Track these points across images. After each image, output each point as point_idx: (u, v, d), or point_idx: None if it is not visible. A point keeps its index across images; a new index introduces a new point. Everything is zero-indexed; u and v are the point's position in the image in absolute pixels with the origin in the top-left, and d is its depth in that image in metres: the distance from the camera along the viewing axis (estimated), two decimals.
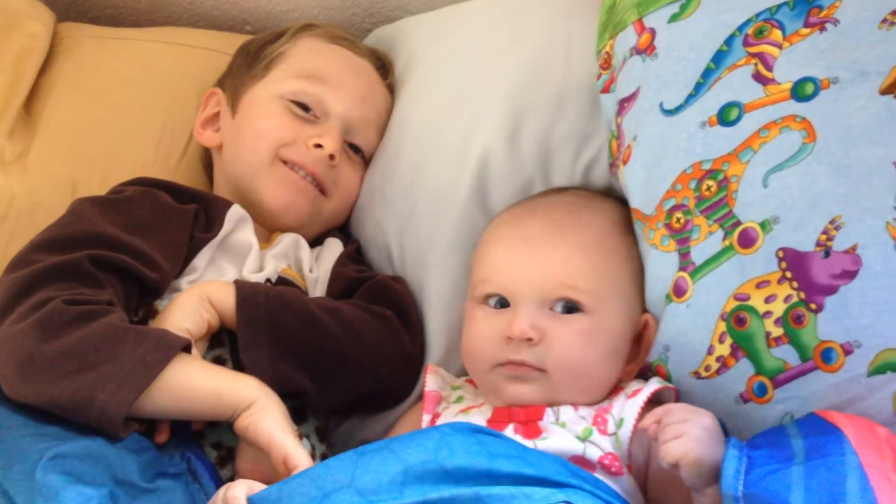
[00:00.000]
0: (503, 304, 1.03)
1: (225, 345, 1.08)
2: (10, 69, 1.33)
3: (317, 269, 1.23)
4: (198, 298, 1.05)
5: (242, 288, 1.07)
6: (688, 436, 0.87)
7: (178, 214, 1.15)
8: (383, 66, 1.36)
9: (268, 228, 1.25)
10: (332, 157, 1.23)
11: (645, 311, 1.06)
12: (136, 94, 1.37)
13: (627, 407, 0.97)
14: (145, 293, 1.08)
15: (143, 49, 1.43)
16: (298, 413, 1.10)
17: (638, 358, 1.05)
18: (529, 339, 0.99)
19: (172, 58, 1.43)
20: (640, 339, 1.06)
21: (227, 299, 1.06)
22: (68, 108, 1.35)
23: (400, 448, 0.87)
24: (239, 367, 1.05)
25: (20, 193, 1.28)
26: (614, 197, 1.15)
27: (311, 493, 0.85)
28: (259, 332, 1.04)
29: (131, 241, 1.08)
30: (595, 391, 1.02)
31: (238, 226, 1.19)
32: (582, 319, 1.01)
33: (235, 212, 1.19)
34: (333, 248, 1.26)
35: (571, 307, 1.01)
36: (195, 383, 0.98)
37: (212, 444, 1.03)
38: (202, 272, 1.14)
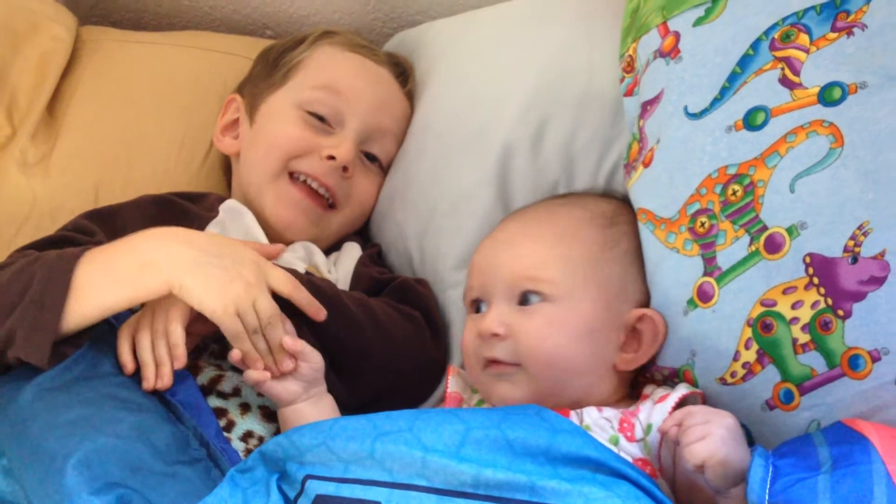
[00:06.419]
0: (480, 307, 1.06)
1: None
2: (33, 72, 1.35)
3: (335, 271, 1.23)
4: None
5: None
6: (712, 436, 0.87)
7: (146, 199, 1.20)
8: (403, 73, 1.36)
9: (276, 240, 1.25)
10: (345, 168, 1.23)
11: (647, 305, 1.05)
12: (157, 98, 1.38)
13: (655, 412, 0.96)
14: None
15: (165, 53, 1.44)
16: None
17: (640, 350, 1.03)
18: (496, 335, 1.00)
19: (194, 62, 1.43)
20: (637, 331, 1.04)
21: None
22: (91, 110, 1.36)
23: (463, 413, 0.87)
24: None
25: (43, 195, 1.29)
26: (618, 197, 1.15)
27: (365, 429, 0.86)
28: (286, 312, 1.03)
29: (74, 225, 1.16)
30: (581, 379, 1.01)
31: (234, 218, 1.20)
32: (545, 308, 1.01)
33: (228, 203, 1.21)
34: (352, 251, 1.27)
35: (537, 298, 1.01)
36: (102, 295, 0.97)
37: (241, 435, 1.02)
38: None
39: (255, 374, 1.00)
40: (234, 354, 0.99)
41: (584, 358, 1.01)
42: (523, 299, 1.02)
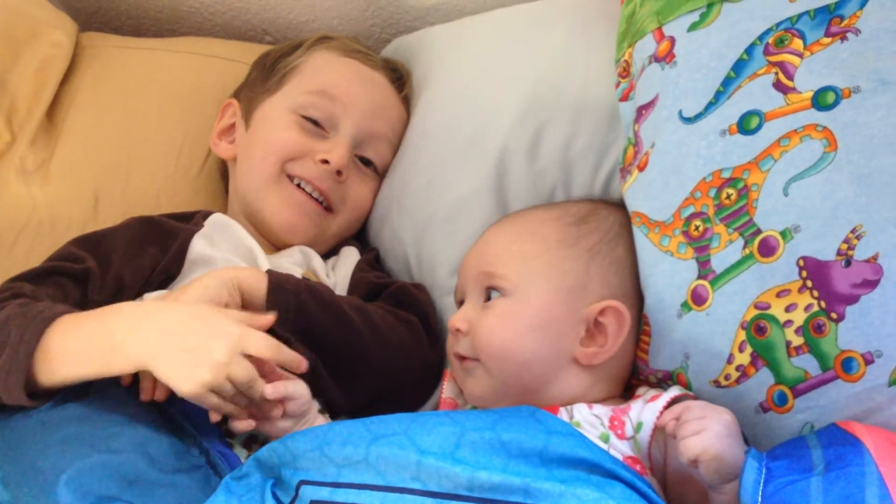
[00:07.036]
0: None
1: None
2: (33, 78, 1.35)
3: (333, 276, 1.23)
4: (227, 280, 1.03)
5: (275, 276, 1.07)
6: (707, 431, 0.87)
7: (134, 220, 1.21)
8: (399, 79, 1.36)
9: (274, 245, 1.25)
10: (339, 172, 1.24)
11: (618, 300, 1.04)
12: (157, 104, 1.38)
13: (646, 411, 0.97)
14: (82, 281, 1.12)
15: (165, 59, 1.44)
16: None
17: (607, 344, 1.03)
18: (459, 331, 1.05)
19: (193, 68, 1.44)
20: (601, 325, 1.03)
21: (257, 285, 1.05)
22: (90, 117, 1.36)
23: (457, 416, 0.88)
24: None
25: (42, 202, 1.29)
26: (610, 202, 1.15)
27: (360, 433, 0.86)
28: (285, 320, 1.03)
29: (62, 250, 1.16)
30: (535, 371, 1.02)
31: (221, 230, 1.20)
32: (501, 302, 1.04)
33: (214, 217, 1.21)
34: (350, 256, 1.27)
35: (497, 294, 1.04)
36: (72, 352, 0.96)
37: (243, 440, 1.02)
38: (202, 269, 1.13)
39: (241, 424, 0.97)
40: (213, 417, 0.97)
41: (535, 350, 1.02)
42: (488, 295, 1.05)
